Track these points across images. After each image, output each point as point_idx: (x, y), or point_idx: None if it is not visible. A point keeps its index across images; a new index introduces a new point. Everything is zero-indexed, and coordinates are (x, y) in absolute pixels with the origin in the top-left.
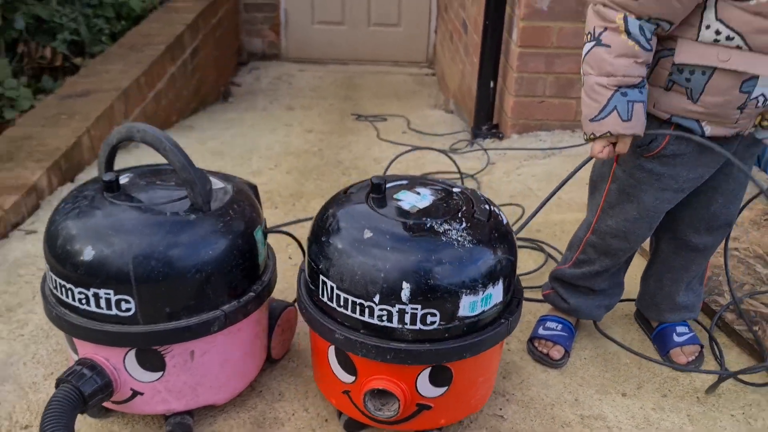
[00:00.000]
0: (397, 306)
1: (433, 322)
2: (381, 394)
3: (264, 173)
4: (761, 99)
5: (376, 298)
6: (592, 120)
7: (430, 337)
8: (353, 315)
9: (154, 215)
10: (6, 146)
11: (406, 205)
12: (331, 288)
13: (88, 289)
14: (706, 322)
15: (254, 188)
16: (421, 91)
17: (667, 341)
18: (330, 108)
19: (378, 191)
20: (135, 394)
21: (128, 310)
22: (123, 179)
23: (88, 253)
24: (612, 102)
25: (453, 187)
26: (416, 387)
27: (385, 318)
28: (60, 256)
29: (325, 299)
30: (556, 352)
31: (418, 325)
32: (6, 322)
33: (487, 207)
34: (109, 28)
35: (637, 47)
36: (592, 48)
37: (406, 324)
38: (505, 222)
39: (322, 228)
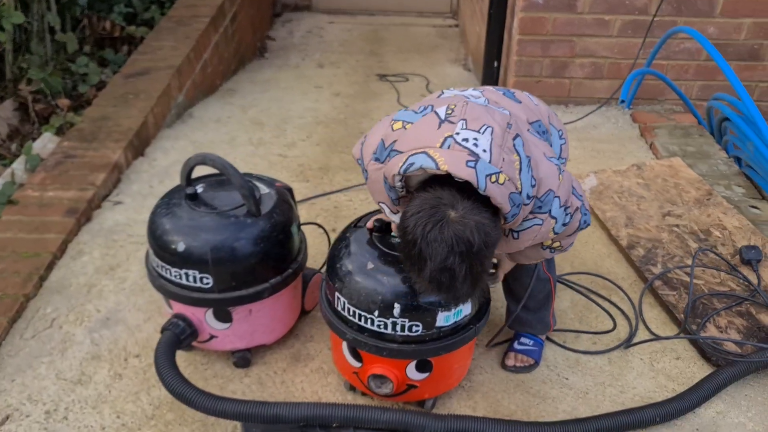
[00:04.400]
0: (391, 319)
1: (417, 330)
2: (380, 377)
3: (297, 146)
4: None
5: (376, 313)
6: None
7: (415, 341)
8: (359, 322)
9: (224, 219)
10: (90, 126)
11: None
12: (344, 302)
13: (181, 269)
14: (638, 287)
15: (290, 190)
16: (443, 45)
17: (510, 345)
18: (356, 65)
19: (380, 231)
20: (212, 337)
21: (207, 283)
22: (198, 188)
23: (180, 246)
24: None
25: None
26: (406, 373)
27: (382, 326)
28: (161, 247)
29: (339, 308)
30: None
31: (406, 332)
32: (111, 278)
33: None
34: None
35: None
36: None
37: (397, 331)
38: None
39: (337, 256)
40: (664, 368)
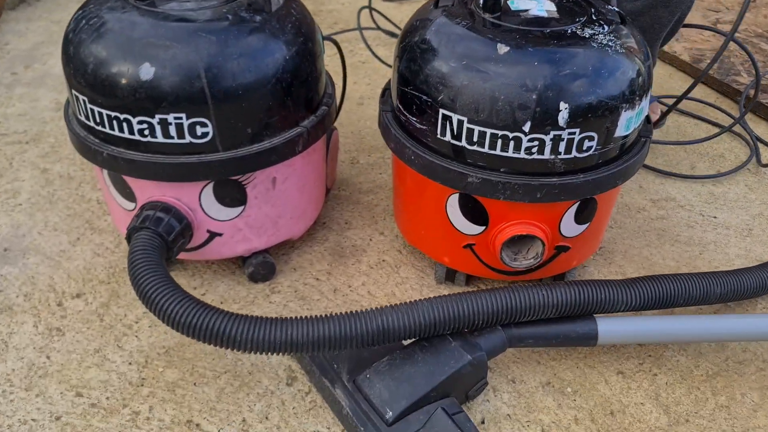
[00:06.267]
0: (552, 133)
1: (589, 148)
2: (522, 240)
3: None
4: None
5: (527, 126)
6: None
7: (584, 166)
8: (493, 152)
9: (214, 21)
10: None
11: (533, 12)
12: (459, 123)
13: (152, 116)
14: (727, 104)
15: None
16: None
17: None
18: None
19: (495, 1)
20: (213, 236)
21: (205, 135)
22: None
23: (146, 71)
24: None
25: None
26: (559, 228)
27: (535, 150)
28: (104, 81)
29: (447, 138)
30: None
31: (573, 153)
32: None
33: (610, 7)
34: None
35: None
36: None
37: (560, 153)
38: (630, 21)
39: (428, 48)
40: None
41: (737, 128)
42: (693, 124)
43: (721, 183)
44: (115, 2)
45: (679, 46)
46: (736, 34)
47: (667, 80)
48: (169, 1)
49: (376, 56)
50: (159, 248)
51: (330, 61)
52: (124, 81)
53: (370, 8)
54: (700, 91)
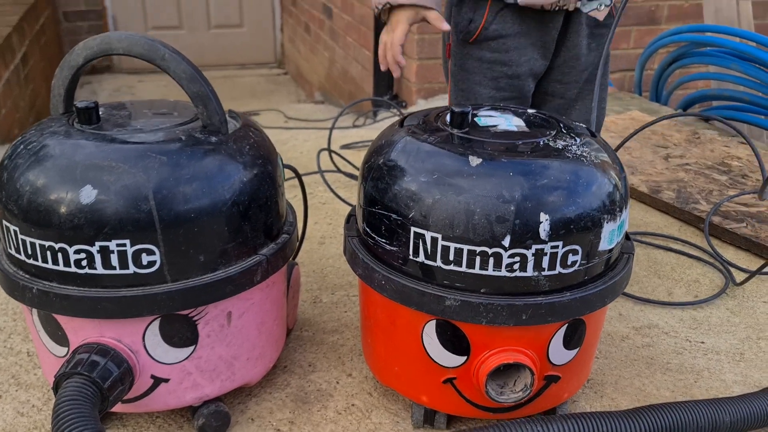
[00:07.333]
0: (534, 247)
1: (574, 263)
2: (508, 371)
3: None
4: None
5: (506, 241)
6: None
7: (570, 283)
8: (471, 271)
9: (167, 141)
10: None
11: (502, 127)
12: (433, 240)
13: (92, 244)
14: (691, 232)
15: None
16: (278, 90)
17: None
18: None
19: (463, 117)
20: (158, 382)
21: (151, 264)
22: (100, 109)
23: (87, 195)
24: None
25: (518, 108)
26: (548, 354)
27: (517, 266)
28: (38, 207)
29: (421, 258)
30: None
31: (558, 269)
32: None
33: (575, 123)
34: None
35: None
36: None
37: (544, 270)
38: (600, 136)
39: (396, 165)
40: None
41: (706, 256)
42: (662, 251)
43: (702, 308)
44: (58, 127)
45: (635, 179)
46: (689, 167)
47: (630, 211)
48: (118, 125)
49: (337, 195)
50: (91, 398)
51: (290, 200)
52: (62, 206)
53: (330, 150)
54: (663, 221)
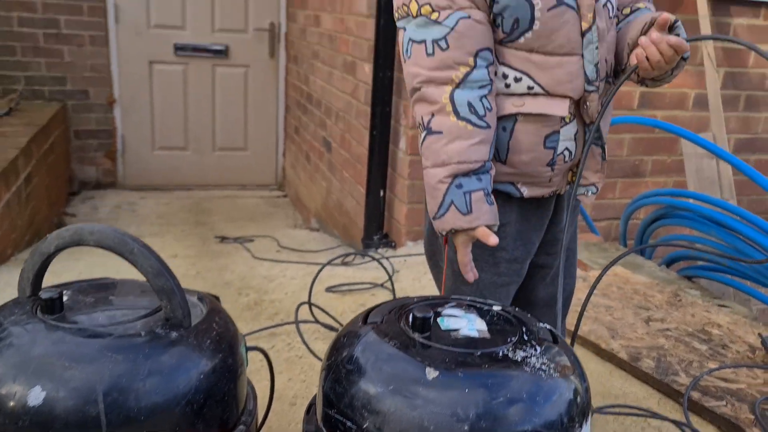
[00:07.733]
0: None
1: None
2: None
3: None
4: (567, 154)
5: None
6: (434, 218)
7: None
8: None
9: (123, 337)
10: None
11: (463, 331)
12: None
13: None
14: (670, 405)
15: (217, 299)
16: (277, 212)
17: None
18: (185, 233)
19: (424, 321)
20: None
21: None
22: (64, 296)
23: (35, 396)
24: (447, 197)
25: (485, 304)
26: None
27: None
28: None
29: None
30: None
31: None
32: None
33: (540, 324)
34: None
35: (470, 126)
36: (424, 139)
37: None
38: (562, 339)
39: (354, 369)
40: None
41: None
42: (639, 428)
43: None
44: (20, 315)
45: (616, 343)
46: (669, 332)
47: (607, 378)
48: (81, 313)
49: (312, 352)
50: None
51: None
52: (10, 402)
53: (310, 303)
54: (643, 391)
